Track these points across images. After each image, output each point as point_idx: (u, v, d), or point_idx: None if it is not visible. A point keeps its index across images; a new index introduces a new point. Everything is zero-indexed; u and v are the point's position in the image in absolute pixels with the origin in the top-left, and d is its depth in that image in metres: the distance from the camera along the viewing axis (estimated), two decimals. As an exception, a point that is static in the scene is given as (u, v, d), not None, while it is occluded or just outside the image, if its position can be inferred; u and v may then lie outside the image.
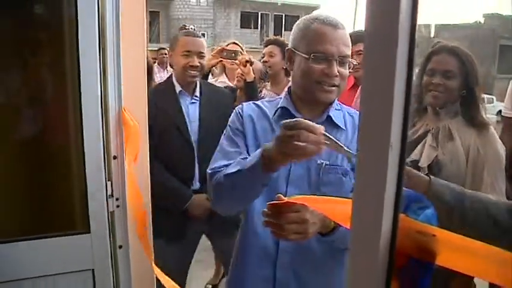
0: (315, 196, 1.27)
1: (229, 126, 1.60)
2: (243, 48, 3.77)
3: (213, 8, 30.23)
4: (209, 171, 1.51)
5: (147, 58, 3.25)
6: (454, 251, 0.66)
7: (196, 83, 2.58)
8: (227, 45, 3.76)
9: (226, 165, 1.44)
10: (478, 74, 1.99)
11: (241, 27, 29.84)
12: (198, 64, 2.50)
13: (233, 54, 3.16)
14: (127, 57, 1.84)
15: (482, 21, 28.85)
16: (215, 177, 1.45)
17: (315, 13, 1.61)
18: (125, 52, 1.82)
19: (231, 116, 1.60)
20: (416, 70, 2.52)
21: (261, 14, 30.44)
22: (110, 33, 1.77)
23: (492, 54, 25.43)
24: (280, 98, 1.58)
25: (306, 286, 1.47)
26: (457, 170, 1.92)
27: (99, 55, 1.75)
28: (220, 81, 3.90)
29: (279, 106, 1.53)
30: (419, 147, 1.99)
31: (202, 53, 2.54)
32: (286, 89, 1.59)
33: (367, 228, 0.60)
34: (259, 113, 1.56)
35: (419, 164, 1.94)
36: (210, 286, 3.71)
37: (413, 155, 1.99)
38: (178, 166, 2.48)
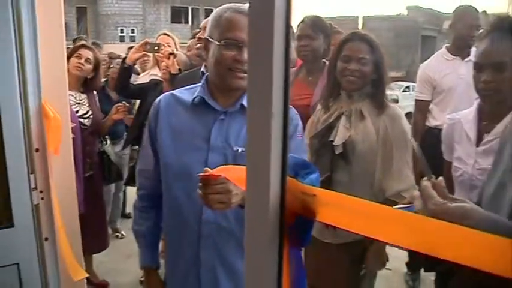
0: (233, 165, 1.30)
1: (148, 123, 1.65)
2: (175, 38, 3.80)
3: (143, 3, 29.64)
4: (137, 169, 1.75)
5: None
6: (333, 208, 0.76)
7: None
8: (158, 36, 3.78)
9: (147, 170, 1.68)
10: (385, 59, 2.15)
11: (172, 22, 29.43)
12: None
13: (156, 48, 3.17)
14: (46, 51, 1.84)
15: (406, 13, 30.10)
16: (137, 196, 1.77)
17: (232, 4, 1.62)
18: (44, 46, 1.82)
19: (150, 111, 1.65)
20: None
21: (192, 8, 30.17)
22: (26, 27, 1.76)
23: (415, 44, 26.61)
24: (199, 85, 1.61)
25: (231, 266, 1.54)
26: (369, 148, 2.07)
27: (16, 49, 1.74)
28: (152, 73, 3.91)
29: (195, 95, 1.56)
30: (335, 129, 2.13)
31: None
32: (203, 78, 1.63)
33: (258, 191, 0.66)
34: (176, 103, 1.60)
35: (334, 143, 2.08)
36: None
37: (331, 137, 2.13)
38: None
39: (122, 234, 4.59)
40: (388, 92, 2.19)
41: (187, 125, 1.55)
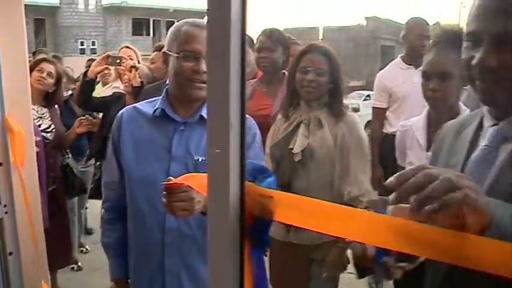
0: (195, 173, 1.34)
1: (111, 136, 1.71)
2: (137, 51, 3.83)
3: (103, 15, 29.33)
4: (103, 182, 1.82)
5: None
6: (289, 208, 0.83)
7: None
8: (120, 49, 3.80)
9: (112, 182, 1.72)
10: (341, 70, 2.26)
11: (133, 34, 29.22)
12: None
13: (118, 61, 3.20)
14: (8, 65, 1.84)
15: (364, 24, 30.83)
16: (103, 208, 1.81)
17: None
18: (5, 59, 1.82)
19: (113, 124, 1.70)
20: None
21: (153, 20, 30.03)
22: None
23: (375, 53, 27.27)
24: (159, 98, 1.66)
25: (194, 272, 1.59)
26: (327, 154, 2.16)
27: (-23, 63, 1.75)
28: (114, 86, 3.92)
29: (156, 107, 1.63)
30: (294, 137, 2.21)
31: None
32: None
33: (219, 196, 0.71)
34: (138, 115, 1.66)
35: (293, 151, 2.15)
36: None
37: (291, 145, 2.21)
38: None
39: (87, 249, 4.55)
40: (349, 101, 2.29)
41: (149, 136, 1.61)
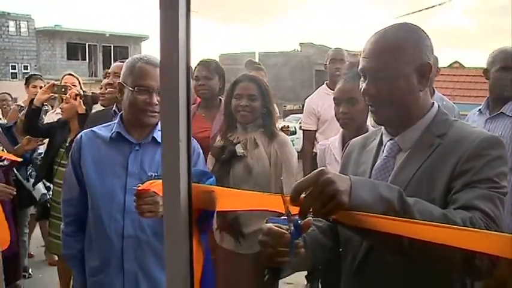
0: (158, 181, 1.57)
1: (70, 157, 1.91)
2: (79, 79, 3.98)
3: (36, 38, 28.62)
4: (62, 200, 1.97)
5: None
6: (225, 198, 1.13)
7: None
8: (63, 77, 3.93)
9: (72, 198, 1.90)
10: (272, 95, 2.60)
11: (68, 58, 28.64)
12: None
13: (63, 89, 3.36)
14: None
15: (299, 49, 31.81)
16: (64, 223, 1.96)
17: (141, 53, 1.97)
18: None
19: (72, 146, 1.91)
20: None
21: (89, 45, 29.52)
22: None
23: (309, 78, 28.14)
24: (115, 122, 1.90)
25: (150, 273, 1.80)
26: (263, 170, 2.47)
27: None
28: (57, 112, 4.01)
29: (113, 131, 1.85)
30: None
31: None
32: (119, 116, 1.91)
33: (171, 196, 0.88)
34: (96, 138, 1.88)
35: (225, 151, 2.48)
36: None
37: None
38: None
39: (30, 274, 4.54)
40: (287, 123, 2.62)
41: (108, 155, 1.84)
